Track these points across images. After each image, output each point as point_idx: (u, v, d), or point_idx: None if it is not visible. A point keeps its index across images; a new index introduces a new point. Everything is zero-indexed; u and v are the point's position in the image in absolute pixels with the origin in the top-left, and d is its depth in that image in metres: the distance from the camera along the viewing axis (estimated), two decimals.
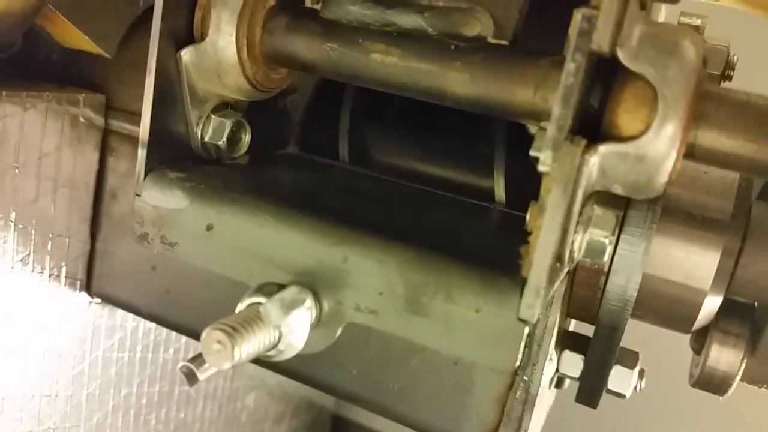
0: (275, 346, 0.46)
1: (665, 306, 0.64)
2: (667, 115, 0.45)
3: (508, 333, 0.47)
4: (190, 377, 0.43)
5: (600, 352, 0.64)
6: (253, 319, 0.44)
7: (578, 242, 0.50)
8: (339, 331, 0.52)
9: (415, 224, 0.61)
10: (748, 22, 0.82)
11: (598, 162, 0.47)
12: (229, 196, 0.56)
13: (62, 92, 0.74)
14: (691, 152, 0.48)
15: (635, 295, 0.60)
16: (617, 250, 0.59)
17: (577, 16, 0.45)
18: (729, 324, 0.67)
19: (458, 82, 0.54)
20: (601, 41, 0.44)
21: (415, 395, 0.65)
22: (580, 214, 0.50)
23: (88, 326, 0.82)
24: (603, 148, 0.46)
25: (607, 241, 0.51)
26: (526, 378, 0.63)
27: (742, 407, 1.36)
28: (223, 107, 0.62)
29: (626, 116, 0.47)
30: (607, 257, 0.52)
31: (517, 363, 0.48)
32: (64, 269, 0.78)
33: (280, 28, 0.59)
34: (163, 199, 0.56)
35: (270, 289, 0.48)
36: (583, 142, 0.46)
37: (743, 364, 0.67)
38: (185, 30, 0.58)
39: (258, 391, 1.17)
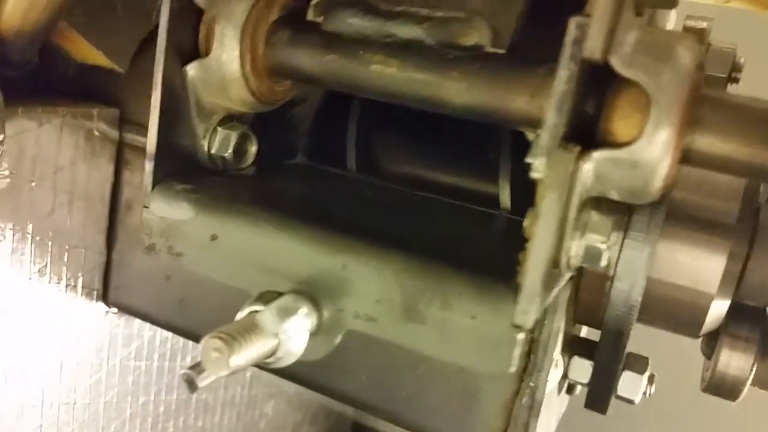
0: (274, 353, 0.47)
1: (672, 310, 0.64)
2: (660, 120, 0.45)
3: (504, 339, 0.48)
4: (191, 384, 0.44)
5: (607, 357, 0.64)
6: (250, 326, 0.45)
7: (575, 248, 0.51)
8: (339, 339, 0.53)
9: (418, 232, 0.62)
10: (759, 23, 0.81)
11: (592, 168, 0.47)
12: (233, 207, 0.57)
13: (77, 107, 0.76)
14: (687, 157, 0.48)
15: (640, 299, 0.60)
16: (621, 255, 0.60)
17: (571, 24, 0.45)
18: (739, 328, 0.67)
19: (455, 91, 0.54)
20: (593, 49, 0.45)
21: (422, 402, 0.66)
22: (578, 219, 0.50)
23: (105, 335, 0.83)
24: (597, 155, 0.47)
25: (603, 247, 0.51)
26: (532, 384, 0.63)
27: (757, 412, 1.34)
28: (229, 119, 0.64)
29: (620, 123, 0.47)
30: (604, 262, 0.52)
31: (512, 369, 0.48)
32: (80, 280, 0.79)
33: (283, 41, 0.60)
34: (170, 211, 0.57)
35: (270, 297, 0.49)
36: (577, 148, 0.47)
37: (754, 369, 0.66)
38: (190, 45, 0.60)
39: (277, 398, 1.18)
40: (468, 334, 0.49)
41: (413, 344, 0.51)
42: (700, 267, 0.61)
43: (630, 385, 0.68)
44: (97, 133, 0.78)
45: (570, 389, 0.76)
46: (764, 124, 0.47)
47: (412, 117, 0.74)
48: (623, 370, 0.69)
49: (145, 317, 0.79)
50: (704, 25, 0.72)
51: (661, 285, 0.62)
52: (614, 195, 0.49)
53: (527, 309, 0.46)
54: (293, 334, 0.47)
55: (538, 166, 0.45)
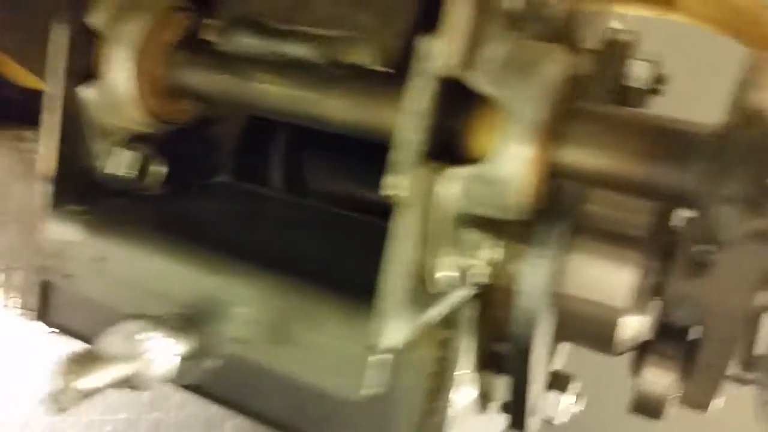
0: (131, 376, 0.46)
1: (584, 326, 0.62)
2: (517, 135, 0.45)
3: (358, 360, 0.47)
4: (51, 406, 0.44)
5: (516, 374, 0.63)
6: (98, 351, 0.45)
7: (454, 266, 0.50)
8: (218, 361, 0.52)
9: (317, 251, 0.61)
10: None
11: (457, 185, 0.46)
12: (122, 229, 0.57)
13: (12, 129, 0.77)
14: (556, 172, 0.47)
15: (542, 315, 0.59)
16: (522, 271, 0.58)
17: (421, 40, 0.44)
18: (663, 346, 0.65)
19: (339, 108, 0.54)
20: (446, 65, 0.44)
21: (338, 424, 0.65)
22: (454, 237, 0.49)
23: (46, 355, 0.84)
24: (457, 171, 0.46)
25: (478, 264, 0.50)
26: (441, 403, 0.62)
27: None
28: (136, 140, 0.64)
29: (481, 138, 0.46)
30: (480, 280, 0.51)
31: (366, 390, 0.47)
32: (19, 301, 0.80)
33: (180, 62, 0.60)
34: (63, 232, 0.58)
35: (131, 320, 0.49)
36: (436, 165, 0.46)
37: (678, 387, 0.65)
38: (86, 65, 0.60)
39: (236, 418, 1.18)
40: (331, 356, 0.48)
41: (282, 366, 0.50)
42: (608, 281, 0.60)
43: (550, 404, 0.67)
44: (32, 154, 0.79)
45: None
46: (634, 138, 0.46)
47: (339, 135, 0.74)
48: (549, 389, 0.69)
49: (80, 338, 0.79)
50: (628, 37, 0.71)
51: (571, 300, 0.61)
52: (482, 211, 0.48)
53: (382, 329, 0.45)
54: (153, 357, 0.47)
55: (391, 183, 0.44)
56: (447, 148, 0.47)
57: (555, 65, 0.46)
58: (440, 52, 0.44)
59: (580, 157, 0.47)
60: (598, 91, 0.63)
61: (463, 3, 0.44)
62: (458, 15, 0.44)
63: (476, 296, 0.60)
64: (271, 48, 0.57)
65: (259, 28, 0.58)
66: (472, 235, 0.50)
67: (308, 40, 0.56)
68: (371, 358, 0.46)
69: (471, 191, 0.46)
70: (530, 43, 0.47)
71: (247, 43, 0.58)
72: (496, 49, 0.46)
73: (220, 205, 0.70)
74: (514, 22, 0.47)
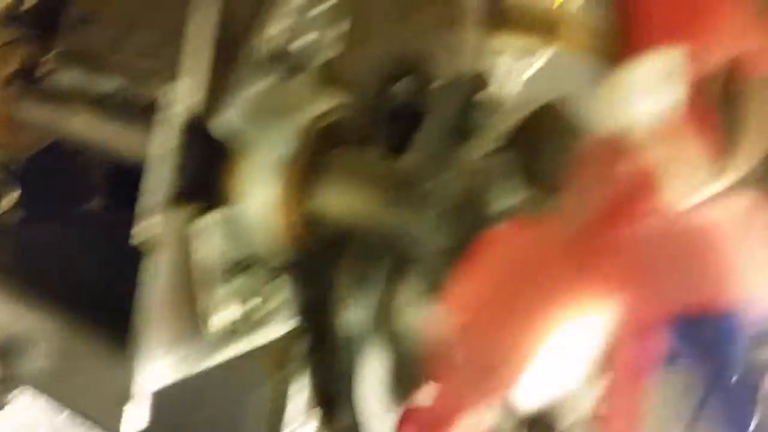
0: None
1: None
2: (261, 180, 0.44)
3: (120, 400, 0.47)
4: None
5: (347, 412, 0.62)
6: None
7: (231, 308, 0.49)
8: (25, 389, 0.53)
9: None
10: None
11: (214, 228, 0.46)
12: None
13: None
14: (307, 217, 0.46)
15: (365, 353, 0.58)
16: (339, 309, 0.57)
17: (164, 87, 0.44)
18: None
19: (137, 145, 0.54)
20: (190, 108, 0.44)
21: None
22: (234, 279, 0.49)
23: None
24: (210, 215, 0.45)
25: (258, 305, 0.50)
26: None
27: None
28: None
29: (233, 182, 0.46)
30: (267, 321, 0.51)
31: (128, 429, 0.47)
32: None
33: (14, 95, 0.61)
34: None
35: None
36: (192, 208, 0.45)
37: None
38: None
39: None
40: (98, 394, 0.49)
41: (62, 400, 0.51)
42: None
43: None
44: None
45: None
46: (371, 186, 0.45)
47: None
48: None
49: None
50: (475, 73, 0.68)
51: (401, 338, 0.60)
52: (245, 253, 0.47)
53: (138, 372, 0.45)
54: None
55: (137, 229, 0.44)
56: (207, 190, 0.46)
57: (308, 112, 0.45)
58: (182, 96, 0.43)
59: (329, 203, 0.46)
60: (435, 130, 0.61)
61: (202, 48, 0.43)
62: (197, 59, 0.43)
63: (304, 333, 0.60)
64: (87, 82, 0.57)
65: (82, 60, 0.58)
66: (253, 277, 0.50)
67: (121, 73, 0.56)
68: (130, 399, 0.46)
69: (227, 234, 0.46)
70: (289, 87, 0.46)
71: (70, 77, 0.58)
72: (246, 94, 0.45)
73: (79, 233, 0.70)
74: (281, 65, 0.47)
